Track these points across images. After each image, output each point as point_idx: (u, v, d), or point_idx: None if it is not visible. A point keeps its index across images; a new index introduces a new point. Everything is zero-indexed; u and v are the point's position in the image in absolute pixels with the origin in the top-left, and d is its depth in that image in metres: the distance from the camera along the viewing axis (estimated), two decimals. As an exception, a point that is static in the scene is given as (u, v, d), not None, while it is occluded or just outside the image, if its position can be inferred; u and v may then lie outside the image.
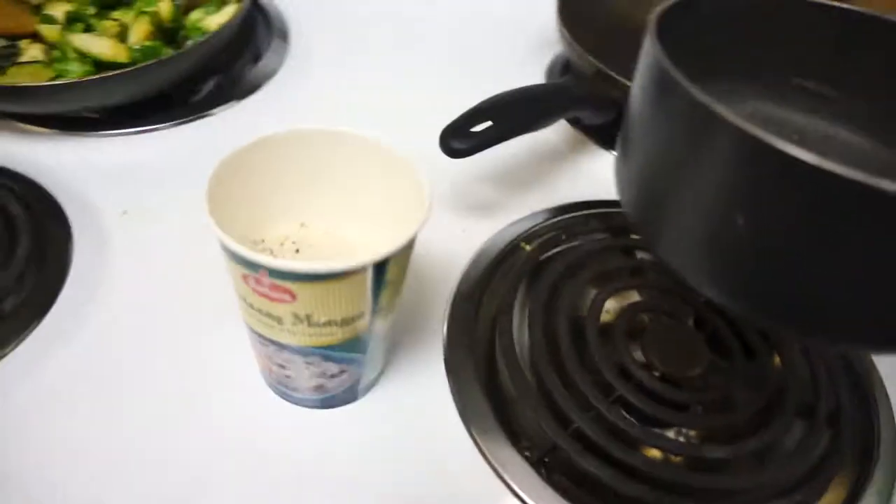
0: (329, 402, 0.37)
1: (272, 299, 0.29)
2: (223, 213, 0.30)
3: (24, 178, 0.48)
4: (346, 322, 0.31)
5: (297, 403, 0.38)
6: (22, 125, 0.53)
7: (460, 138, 0.42)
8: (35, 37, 0.55)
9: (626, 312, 0.42)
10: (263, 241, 0.36)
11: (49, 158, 0.51)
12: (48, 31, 0.54)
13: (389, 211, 0.35)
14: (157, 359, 0.39)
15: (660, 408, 0.37)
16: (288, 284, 0.28)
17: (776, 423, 0.37)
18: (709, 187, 0.29)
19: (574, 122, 0.59)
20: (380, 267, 0.29)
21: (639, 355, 0.40)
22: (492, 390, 0.39)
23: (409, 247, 0.30)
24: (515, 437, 0.37)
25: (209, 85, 0.60)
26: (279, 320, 0.30)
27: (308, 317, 0.30)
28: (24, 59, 0.52)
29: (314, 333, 0.31)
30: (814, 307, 0.29)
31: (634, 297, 0.45)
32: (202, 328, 0.41)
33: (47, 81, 0.48)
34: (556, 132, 0.58)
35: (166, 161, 0.52)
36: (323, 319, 0.30)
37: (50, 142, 0.52)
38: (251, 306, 0.31)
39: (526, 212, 0.49)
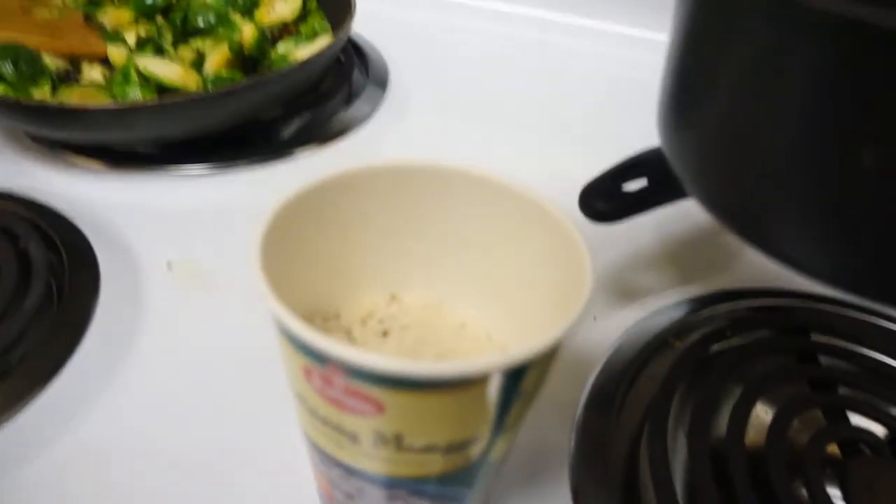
0: (409, 548, 0.26)
1: (346, 409, 0.19)
2: (283, 274, 0.21)
3: (55, 214, 0.40)
4: (454, 448, 0.20)
5: (363, 545, 0.27)
6: (68, 156, 0.46)
7: (606, 198, 0.32)
8: (104, 62, 0.49)
9: (816, 444, 0.30)
10: (339, 316, 0.26)
11: (90, 195, 0.43)
12: (117, 53, 0.47)
13: (518, 283, 0.24)
14: (183, 457, 0.29)
15: None
16: (374, 391, 0.18)
17: None
18: (815, 121, 0.19)
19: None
20: (514, 375, 0.18)
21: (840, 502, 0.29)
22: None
23: (555, 349, 0.20)
24: None
25: (292, 126, 0.52)
26: (354, 438, 0.20)
27: (398, 438, 0.19)
28: (82, 82, 0.45)
29: (404, 461, 0.20)
30: None
31: (818, 417, 0.33)
32: (245, 425, 0.31)
33: (97, 104, 0.40)
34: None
35: (230, 208, 0.43)
36: (420, 443, 0.19)
37: (96, 177, 0.45)
38: (313, 413, 0.21)
39: (672, 298, 0.38)
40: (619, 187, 0.32)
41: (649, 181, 0.32)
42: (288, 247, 0.23)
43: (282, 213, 0.22)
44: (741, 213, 0.26)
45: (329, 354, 0.17)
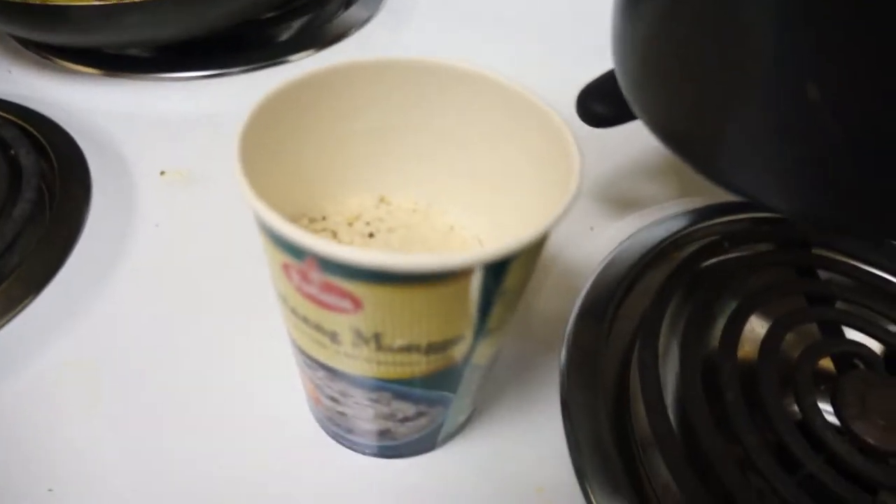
0: (396, 451, 0.27)
1: (324, 305, 0.18)
2: (269, 175, 0.20)
3: (45, 120, 0.39)
4: (434, 348, 0.20)
5: (350, 447, 0.27)
6: (60, 62, 0.45)
7: (605, 101, 0.30)
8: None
9: (808, 357, 0.30)
10: (324, 218, 0.25)
11: (81, 101, 0.42)
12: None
13: (508, 186, 0.24)
14: (176, 361, 0.29)
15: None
16: (349, 285, 0.17)
17: None
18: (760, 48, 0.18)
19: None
20: (495, 270, 0.18)
21: (831, 416, 0.28)
22: (622, 440, 0.28)
23: (540, 244, 0.19)
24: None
25: (289, 30, 0.51)
26: (333, 336, 0.20)
27: (377, 336, 0.19)
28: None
29: (385, 361, 0.20)
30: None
31: (814, 331, 0.32)
32: (236, 330, 0.31)
33: (85, 2, 0.39)
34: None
35: (225, 114, 0.42)
36: (399, 343, 0.19)
37: (86, 82, 0.44)
38: (293, 312, 0.20)
39: (673, 210, 0.37)
40: (620, 90, 0.30)
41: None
42: (272, 148, 0.22)
43: (263, 110, 0.21)
44: (685, 139, 0.25)
45: (304, 247, 0.17)
